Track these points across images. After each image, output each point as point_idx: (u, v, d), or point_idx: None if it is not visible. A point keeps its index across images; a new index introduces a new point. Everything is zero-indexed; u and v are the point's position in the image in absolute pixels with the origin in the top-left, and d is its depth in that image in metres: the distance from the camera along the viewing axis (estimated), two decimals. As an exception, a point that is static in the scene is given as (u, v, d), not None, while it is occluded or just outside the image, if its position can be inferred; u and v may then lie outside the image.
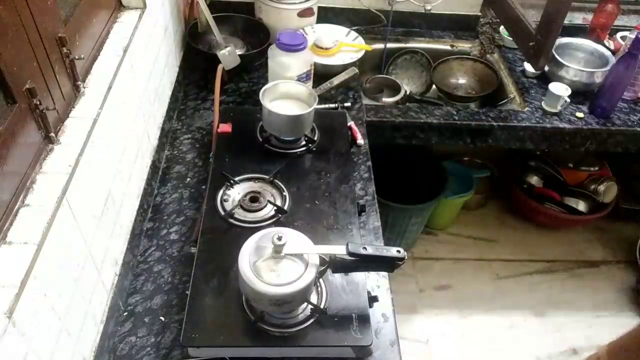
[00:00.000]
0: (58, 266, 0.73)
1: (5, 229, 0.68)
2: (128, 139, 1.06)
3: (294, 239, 0.92)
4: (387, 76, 1.95)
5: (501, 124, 1.63)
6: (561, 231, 2.50)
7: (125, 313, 1.02)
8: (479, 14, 2.04)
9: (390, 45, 1.98)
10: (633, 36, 1.59)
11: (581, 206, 2.36)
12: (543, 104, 1.70)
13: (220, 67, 1.47)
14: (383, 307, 1.06)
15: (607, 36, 1.99)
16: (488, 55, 2.00)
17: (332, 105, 1.54)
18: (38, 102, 0.74)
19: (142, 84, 1.15)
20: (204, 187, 1.25)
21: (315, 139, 1.34)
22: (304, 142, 1.33)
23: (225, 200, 1.15)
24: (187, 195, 1.26)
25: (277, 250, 0.89)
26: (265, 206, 1.15)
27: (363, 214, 1.23)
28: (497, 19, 2.00)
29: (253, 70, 1.65)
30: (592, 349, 2.09)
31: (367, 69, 1.97)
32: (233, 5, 1.81)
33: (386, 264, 0.93)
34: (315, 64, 1.53)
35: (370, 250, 0.90)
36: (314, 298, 0.98)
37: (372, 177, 1.35)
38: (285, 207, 1.15)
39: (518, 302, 2.22)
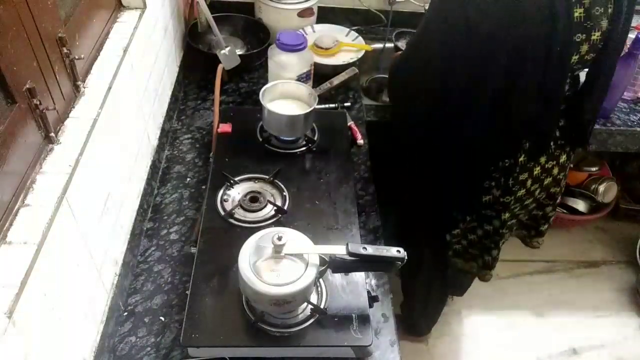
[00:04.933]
0: (58, 266, 0.73)
1: (5, 229, 0.68)
2: (128, 139, 1.06)
3: (294, 239, 0.92)
4: (387, 76, 1.95)
5: (501, 124, 1.63)
6: (561, 231, 2.49)
7: (125, 313, 1.02)
8: (479, 14, 2.04)
9: (390, 45, 1.98)
10: (633, 36, 1.59)
11: (581, 206, 2.36)
12: (543, 104, 1.70)
13: (220, 67, 1.47)
14: (383, 307, 1.06)
15: (607, 36, 1.99)
16: (488, 55, 1.99)
17: (332, 105, 1.54)
18: (38, 102, 0.74)
19: (142, 84, 1.15)
20: (204, 187, 1.25)
21: (315, 139, 1.34)
22: (304, 142, 1.33)
23: (225, 200, 1.15)
24: (187, 195, 1.25)
25: (277, 250, 0.89)
26: (265, 206, 1.15)
27: (363, 214, 1.23)
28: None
29: (253, 70, 1.65)
30: (592, 349, 2.10)
31: (367, 69, 1.96)
32: (233, 5, 1.81)
33: (386, 264, 0.93)
34: (315, 64, 1.53)
35: (370, 250, 0.90)
36: (314, 298, 0.98)
37: (372, 177, 1.35)
38: (285, 207, 1.15)
39: (518, 302, 2.22)
